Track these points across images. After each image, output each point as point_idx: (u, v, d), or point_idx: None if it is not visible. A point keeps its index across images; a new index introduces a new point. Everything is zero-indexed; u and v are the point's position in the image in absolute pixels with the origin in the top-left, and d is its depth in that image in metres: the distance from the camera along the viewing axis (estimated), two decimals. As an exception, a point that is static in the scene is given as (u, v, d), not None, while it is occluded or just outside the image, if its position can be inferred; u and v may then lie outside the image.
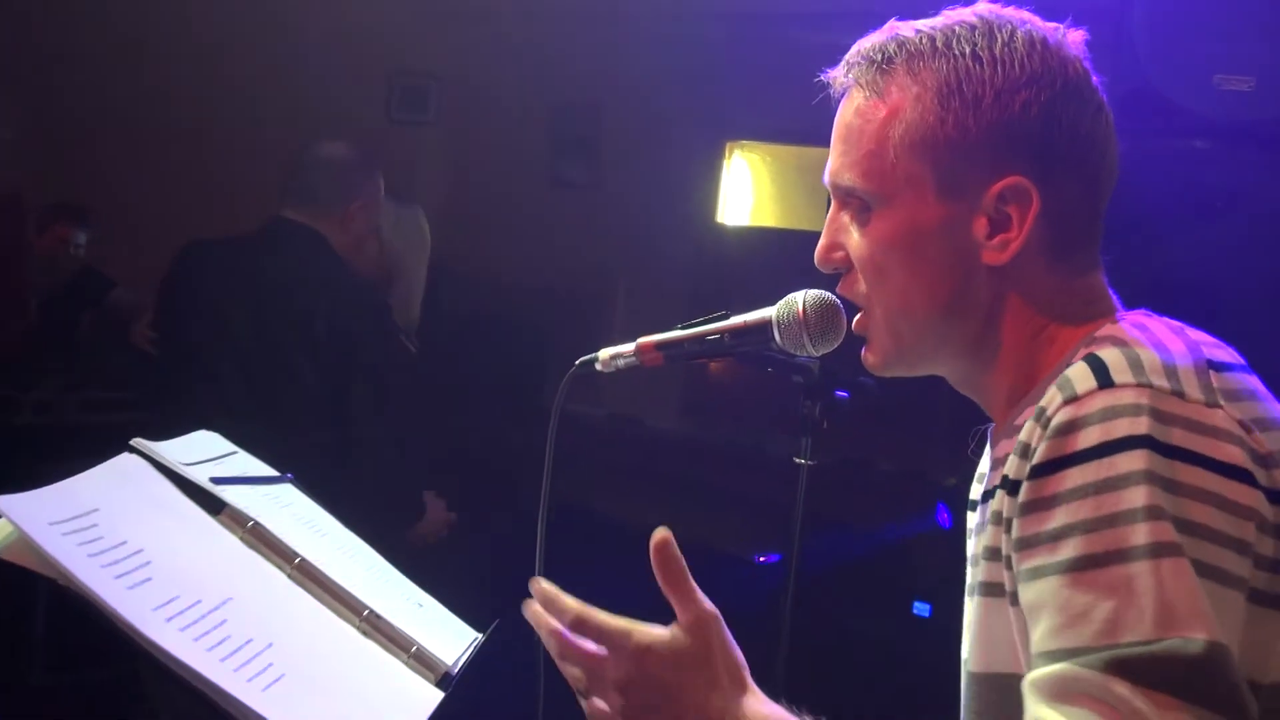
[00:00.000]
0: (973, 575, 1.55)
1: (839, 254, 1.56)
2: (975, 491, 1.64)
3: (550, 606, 1.46)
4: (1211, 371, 1.31)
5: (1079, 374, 1.30)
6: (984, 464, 1.63)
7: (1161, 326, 1.40)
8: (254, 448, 1.99)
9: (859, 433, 4.64)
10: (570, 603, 1.45)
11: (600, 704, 1.45)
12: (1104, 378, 1.28)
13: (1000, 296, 1.48)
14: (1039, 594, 1.26)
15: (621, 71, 5.32)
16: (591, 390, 4.67)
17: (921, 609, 4.14)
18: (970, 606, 1.54)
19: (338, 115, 5.02)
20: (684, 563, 1.42)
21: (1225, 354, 1.38)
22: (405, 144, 5.60)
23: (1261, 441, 1.28)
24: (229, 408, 3.47)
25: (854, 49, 1.54)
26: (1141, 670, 1.18)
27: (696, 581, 1.44)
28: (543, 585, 1.47)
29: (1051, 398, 1.31)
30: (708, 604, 1.43)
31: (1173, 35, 3.38)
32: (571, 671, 1.47)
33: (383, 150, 4.99)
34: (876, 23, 1.56)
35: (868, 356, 1.57)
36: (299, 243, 3.69)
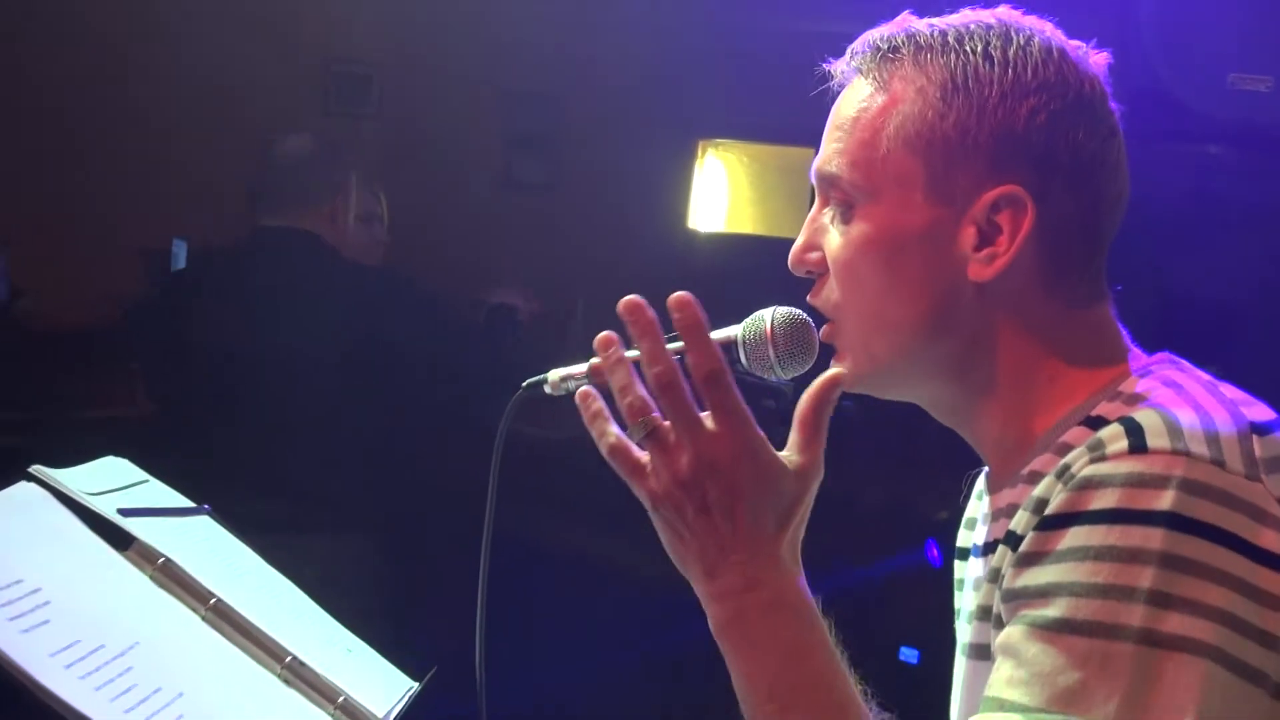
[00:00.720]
0: (964, 634, 1.56)
1: (815, 255, 1.58)
2: (964, 539, 1.66)
3: (695, 333, 1.43)
4: (1255, 437, 1.33)
5: (1111, 435, 1.32)
6: (974, 509, 1.63)
7: (1195, 384, 1.41)
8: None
9: (840, 460, 4.66)
10: (718, 346, 1.45)
11: (653, 467, 1.44)
12: (1138, 440, 1.30)
13: (989, 319, 1.50)
14: (1010, 638, 1.28)
15: (583, 60, 5.32)
16: (549, 411, 4.66)
17: (909, 655, 4.15)
18: (960, 668, 1.55)
19: (269, 108, 5.00)
20: (830, 415, 1.46)
21: (1262, 412, 1.40)
22: (344, 139, 5.58)
23: None
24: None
25: (861, 39, 1.58)
26: None
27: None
28: (695, 304, 1.45)
29: (1078, 456, 1.33)
30: (822, 462, 1.46)
31: (1184, 28, 3.42)
32: (639, 409, 1.45)
33: (320, 146, 4.99)
34: (869, 9, 1.59)
35: (835, 367, 1.58)
36: (297, 249, 3.87)
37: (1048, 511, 1.30)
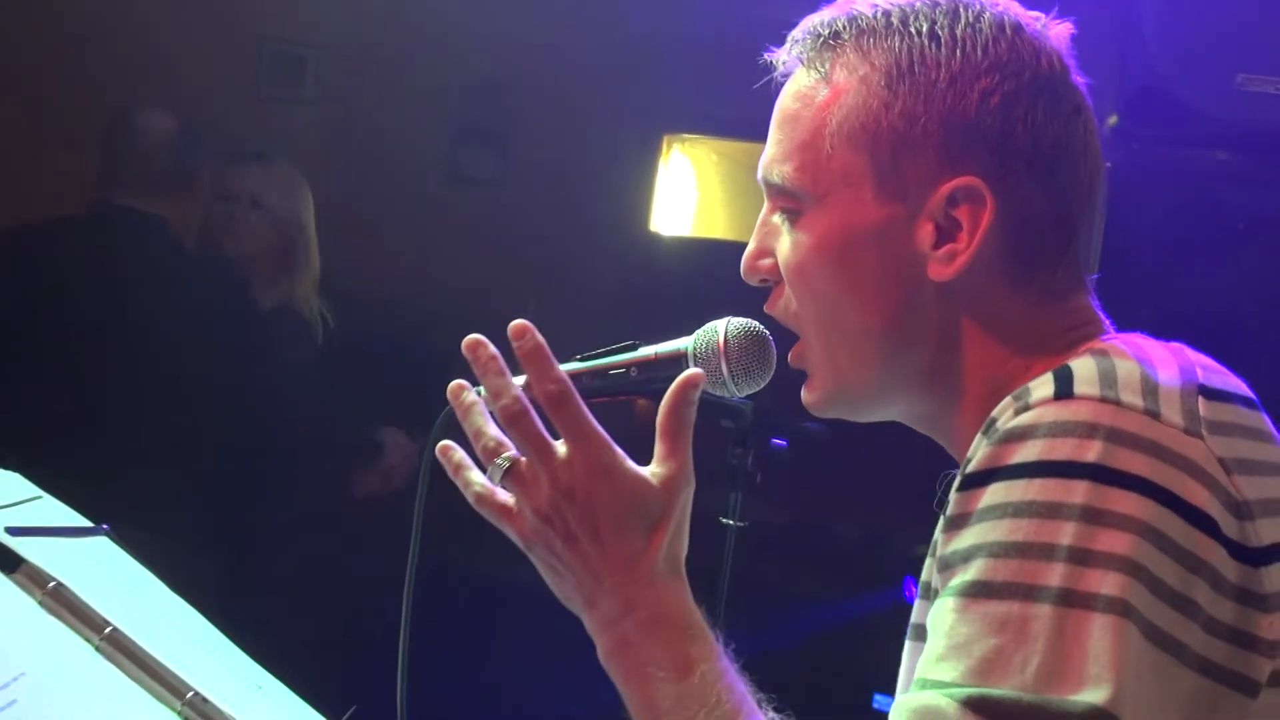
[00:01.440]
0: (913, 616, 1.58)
1: (768, 262, 1.60)
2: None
3: (535, 359, 1.48)
4: (1201, 398, 1.34)
5: (1039, 383, 1.35)
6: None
7: (1156, 345, 1.43)
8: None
9: (809, 489, 4.69)
10: (562, 370, 1.50)
11: (517, 507, 1.49)
12: (1064, 387, 1.32)
13: (953, 321, 1.52)
14: (935, 611, 1.30)
15: (539, 45, 5.33)
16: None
17: (883, 703, 4.16)
18: (905, 653, 1.58)
19: (194, 89, 4.99)
20: (693, 420, 1.49)
21: (1228, 382, 1.42)
22: (276, 125, 5.57)
23: (1240, 486, 1.30)
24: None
25: (801, 24, 1.59)
26: (1001, 716, 1.20)
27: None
28: (533, 330, 1.51)
29: (1004, 407, 1.36)
30: (690, 470, 1.49)
31: (1188, 25, 3.45)
32: (493, 450, 1.50)
33: (249, 132, 4.99)
34: None
35: (805, 393, 1.61)
36: (131, 230, 3.89)
37: (969, 469, 1.32)
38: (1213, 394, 1.36)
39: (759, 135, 1.63)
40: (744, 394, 1.69)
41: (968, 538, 1.29)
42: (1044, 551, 1.24)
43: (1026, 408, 1.32)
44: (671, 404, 1.49)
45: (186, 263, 4.07)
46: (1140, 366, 1.35)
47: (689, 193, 5.36)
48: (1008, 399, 1.36)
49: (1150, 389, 1.32)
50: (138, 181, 4.03)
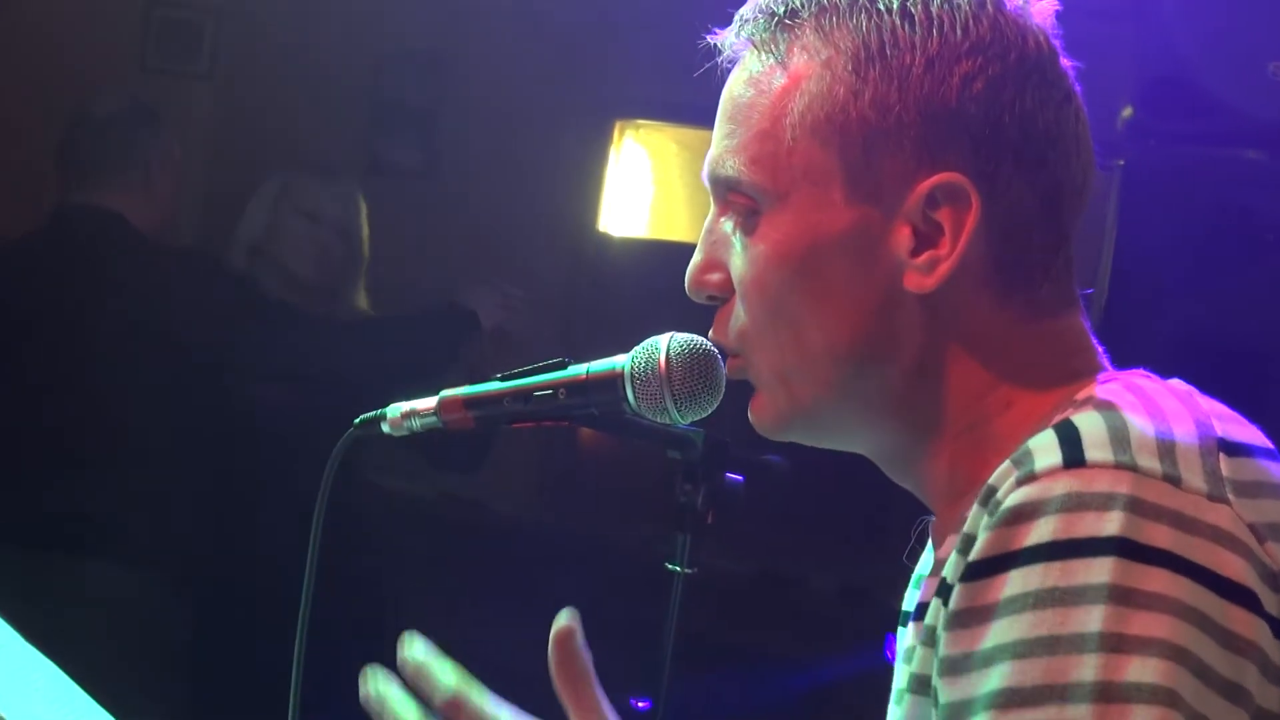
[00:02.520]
0: (893, 715, 1.58)
1: (717, 276, 1.59)
2: (908, 601, 1.68)
3: (421, 678, 1.46)
4: (1223, 455, 1.34)
5: (1043, 444, 1.34)
6: (924, 564, 1.66)
7: (1163, 390, 1.43)
8: None
9: (777, 534, 4.68)
10: (449, 678, 1.46)
11: None
12: (1074, 452, 1.31)
13: (933, 339, 1.52)
14: None
15: (470, 12, 5.34)
16: (419, 457, 4.66)
17: (861, 781, 4.18)
18: None
19: (69, 61, 4.97)
20: (589, 665, 1.45)
21: (1247, 433, 1.41)
22: (165, 103, 5.54)
23: (1275, 555, 1.31)
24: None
25: (750, 1, 1.58)
26: None
27: None
28: (418, 648, 1.47)
29: (1004, 474, 1.34)
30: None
31: (1215, 7, 3.47)
32: None
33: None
34: None
35: (753, 414, 1.60)
36: (88, 232, 3.99)
37: (974, 556, 1.32)
38: (1233, 449, 1.36)
39: (724, 121, 1.62)
40: (688, 421, 1.70)
41: (986, 638, 1.29)
42: (1074, 643, 1.25)
43: (1032, 477, 1.32)
44: (557, 667, 1.47)
45: (149, 259, 4.15)
46: (1153, 420, 1.34)
47: (644, 187, 5.40)
48: (1006, 464, 1.35)
49: (1167, 449, 1.32)
50: (89, 175, 4.12)
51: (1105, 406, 1.37)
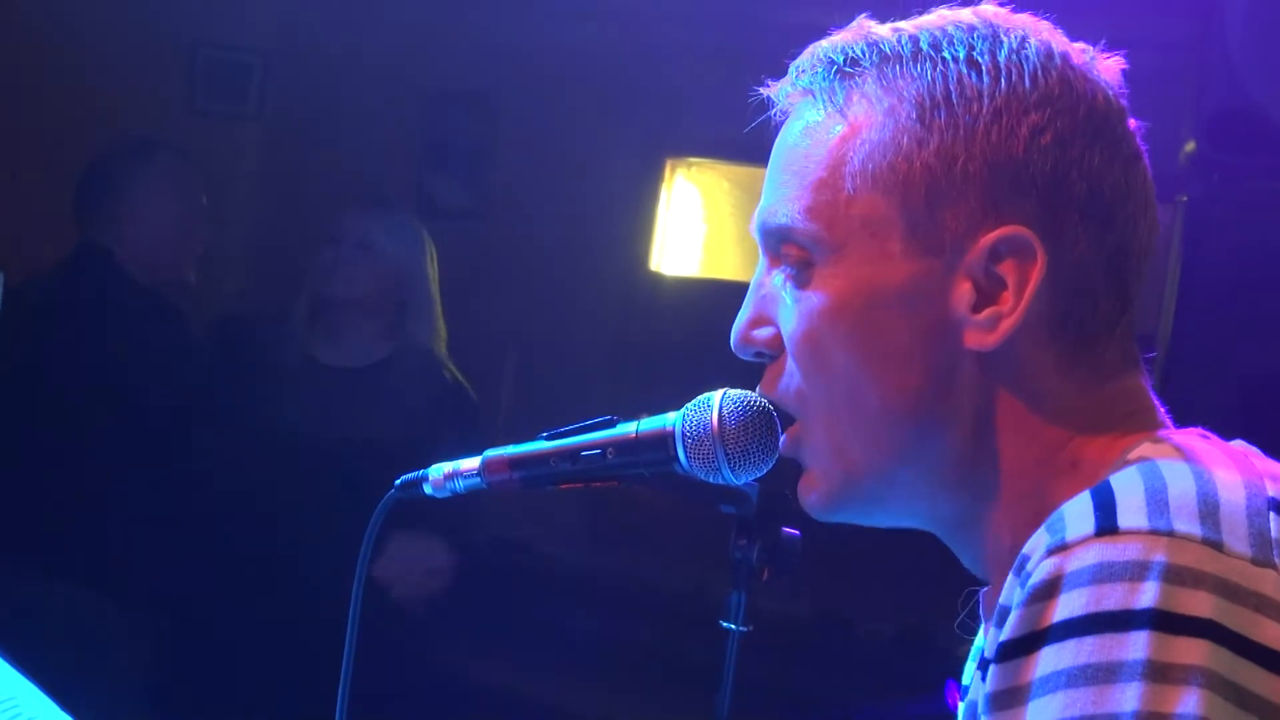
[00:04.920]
0: None
1: (766, 332, 1.54)
2: (966, 675, 1.63)
3: None
4: (1274, 515, 1.29)
5: (1076, 510, 1.29)
6: (981, 637, 1.61)
7: (1215, 450, 1.38)
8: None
9: (835, 578, 4.64)
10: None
11: None
12: (1106, 517, 1.26)
13: (989, 401, 1.47)
14: None
15: (523, 56, 5.31)
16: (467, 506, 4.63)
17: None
18: None
19: (115, 100, 4.97)
20: None
21: None
22: (213, 145, 5.56)
23: None
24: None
25: (808, 51, 1.54)
26: None
27: None
28: None
29: (1037, 542, 1.30)
30: None
31: (1281, 35, 3.41)
32: None
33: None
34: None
35: (804, 492, 1.55)
36: (79, 266, 4.10)
37: (1005, 635, 1.27)
38: None
39: (777, 160, 1.58)
40: (742, 481, 1.64)
41: None
42: None
43: (1063, 547, 1.26)
44: None
45: (134, 296, 4.21)
46: (1195, 480, 1.29)
47: (696, 226, 5.38)
48: (1040, 530, 1.30)
49: (1209, 511, 1.27)
50: (91, 211, 4.22)
51: (1146, 464, 1.33)
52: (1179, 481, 1.29)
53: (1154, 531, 1.24)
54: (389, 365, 4.33)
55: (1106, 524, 1.26)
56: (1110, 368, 1.48)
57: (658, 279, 5.40)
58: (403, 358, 4.32)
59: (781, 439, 1.57)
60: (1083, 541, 1.25)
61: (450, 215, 5.67)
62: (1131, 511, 1.26)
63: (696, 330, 5.25)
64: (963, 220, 1.44)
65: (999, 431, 1.47)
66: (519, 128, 5.59)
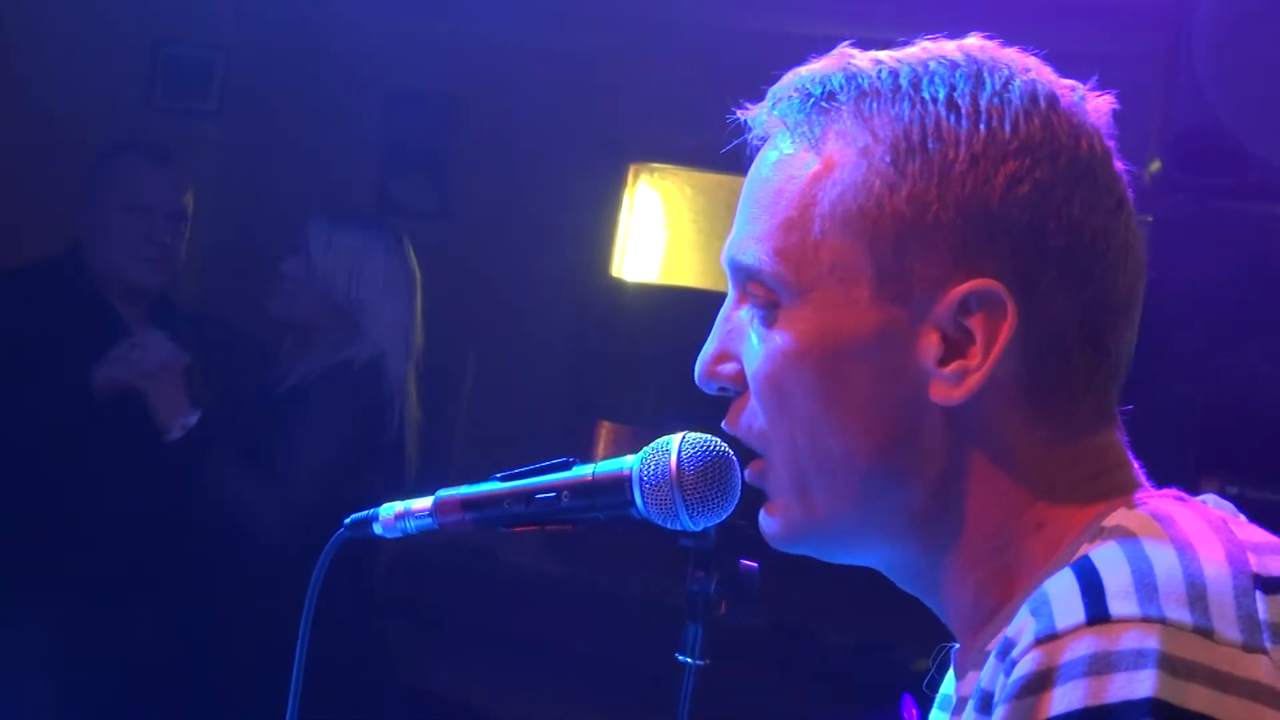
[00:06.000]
0: None
1: (730, 367, 1.52)
2: None
3: None
4: (1259, 594, 1.27)
5: (1062, 592, 1.26)
6: (947, 684, 1.58)
7: (1194, 517, 1.35)
8: None
9: (794, 589, 4.61)
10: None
11: None
12: (1096, 604, 1.23)
13: (959, 455, 1.44)
14: None
15: (483, 55, 5.30)
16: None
17: None
18: None
19: (75, 96, 4.93)
20: None
21: None
22: (173, 142, 5.49)
23: None
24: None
25: (786, 79, 1.51)
26: None
27: None
28: None
29: (1022, 626, 1.26)
30: None
31: (1249, 55, 3.39)
32: None
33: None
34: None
35: (765, 522, 1.52)
36: (55, 271, 4.19)
37: None
38: (1273, 585, 1.28)
39: (740, 167, 1.55)
40: (700, 527, 1.62)
41: None
42: None
43: (1053, 636, 1.23)
44: None
45: (68, 291, 4.28)
46: (1180, 559, 1.27)
47: (658, 232, 5.35)
48: (1024, 613, 1.27)
49: (1197, 595, 1.24)
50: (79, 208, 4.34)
51: (1128, 540, 1.30)
52: (1163, 560, 1.27)
53: (1146, 619, 1.22)
54: (325, 382, 4.25)
55: (1097, 611, 1.23)
56: (1082, 424, 1.44)
57: (619, 284, 5.37)
58: (338, 375, 4.24)
59: (746, 472, 1.54)
60: (1074, 631, 1.23)
61: (411, 216, 5.63)
62: (1120, 597, 1.23)
63: (657, 336, 5.26)
64: (933, 270, 1.40)
65: (964, 486, 1.44)
66: (482, 130, 5.56)
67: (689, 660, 2.28)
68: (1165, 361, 3.41)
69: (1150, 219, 3.53)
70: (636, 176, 5.33)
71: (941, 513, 1.45)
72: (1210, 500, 1.43)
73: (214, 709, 3.90)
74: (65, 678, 3.92)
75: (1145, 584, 1.24)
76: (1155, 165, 3.45)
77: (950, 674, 1.57)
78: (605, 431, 5.34)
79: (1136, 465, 1.47)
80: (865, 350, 1.42)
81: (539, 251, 5.37)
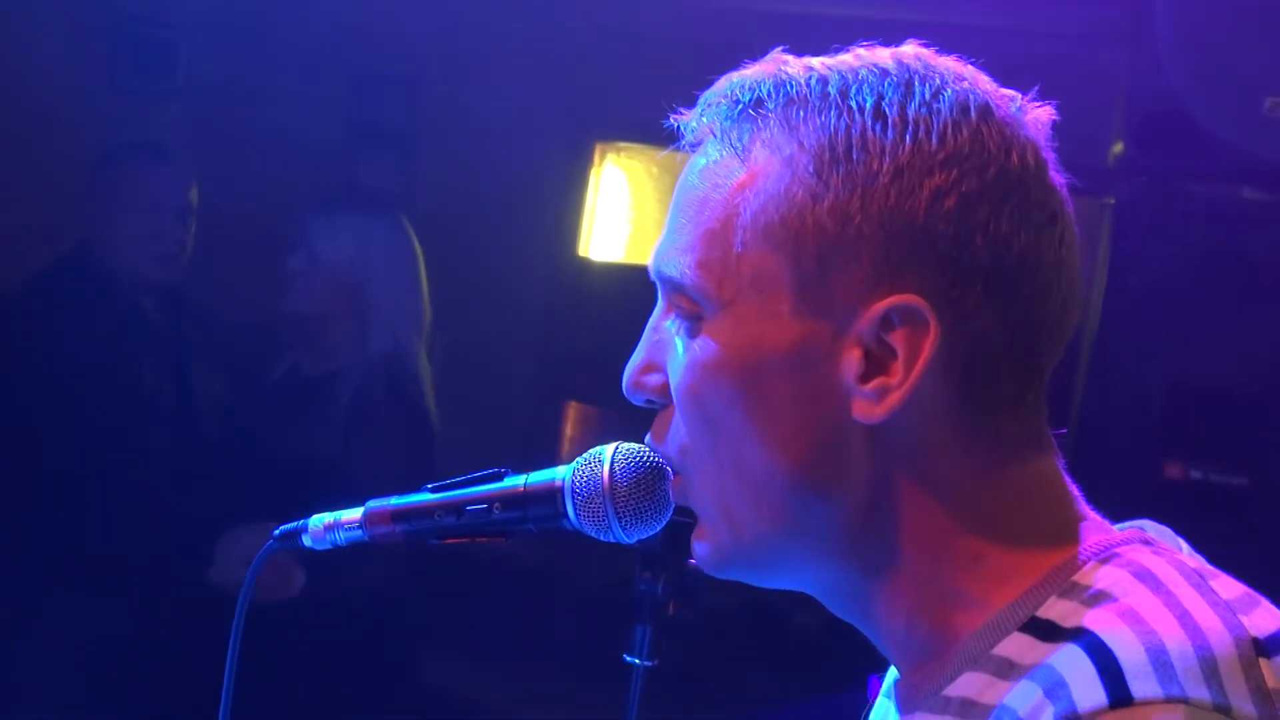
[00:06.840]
0: None
1: (655, 378, 1.49)
2: None
3: None
4: (1262, 661, 1.26)
5: (1078, 674, 1.25)
6: (886, 713, 1.55)
7: (1175, 576, 1.33)
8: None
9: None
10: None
11: None
12: (1118, 687, 1.22)
13: (884, 474, 1.40)
14: None
15: (449, 35, 5.24)
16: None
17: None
18: None
19: (31, 80, 4.89)
20: None
21: (1267, 618, 1.32)
22: (136, 125, 5.48)
23: None
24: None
25: (718, 84, 1.47)
26: None
27: None
28: None
29: (1034, 706, 1.25)
30: None
31: (1211, 39, 3.38)
32: None
33: (102, 132, 4.92)
34: None
35: (696, 546, 1.50)
36: (66, 268, 4.27)
37: None
38: (1268, 648, 1.27)
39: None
40: (634, 539, 1.59)
41: None
42: None
43: (1075, 718, 1.22)
44: None
45: (82, 287, 4.35)
46: (1187, 633, 1.25)
47: (624, 212, 5.33)
48: (1035, 693, 1.26)
49: (1211, 671, 1.23)
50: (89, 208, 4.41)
51: (1132, 618, 1.28)
52: (1172, 635, 1.25)
53: (1169, 699, 1.21)
54: (347, 374, 4.35)
55: (1119, 695, 1.22)
56: (1015, 446, 1.41)
57: (586, 264, 5.37)
58: (359, 367, 4.34)
59: (668, 488, 1.52)
60: (1097, 714, 1.22)
61: (377, 195, 5.64)
62: (1140, 677, 1.22)
63: (623, 316, 5.22)
64: (855, 283, 1.37)
65: (891, 509, 1.40)
66: (447, 110, 5.54)
67: (637, 661, 2.25)
68: (1127, 344, 3.40)
69: (1113, 200, 3.52)
70: (603, 156, 5.31)
71: (869, 536, 1.41)
72: (1149, 528, 1.41)
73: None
74: (75, 671, 3.95)
75: (1161, 662, 1.23)
76: (1118, 147, 3.44)
77: (888, 704, 1.54)
78: (573, 411, 5.34)
79: (1076, 491, 1.45)
80: (785, 364, 1.39)
81: (505, 232, 5.34)
